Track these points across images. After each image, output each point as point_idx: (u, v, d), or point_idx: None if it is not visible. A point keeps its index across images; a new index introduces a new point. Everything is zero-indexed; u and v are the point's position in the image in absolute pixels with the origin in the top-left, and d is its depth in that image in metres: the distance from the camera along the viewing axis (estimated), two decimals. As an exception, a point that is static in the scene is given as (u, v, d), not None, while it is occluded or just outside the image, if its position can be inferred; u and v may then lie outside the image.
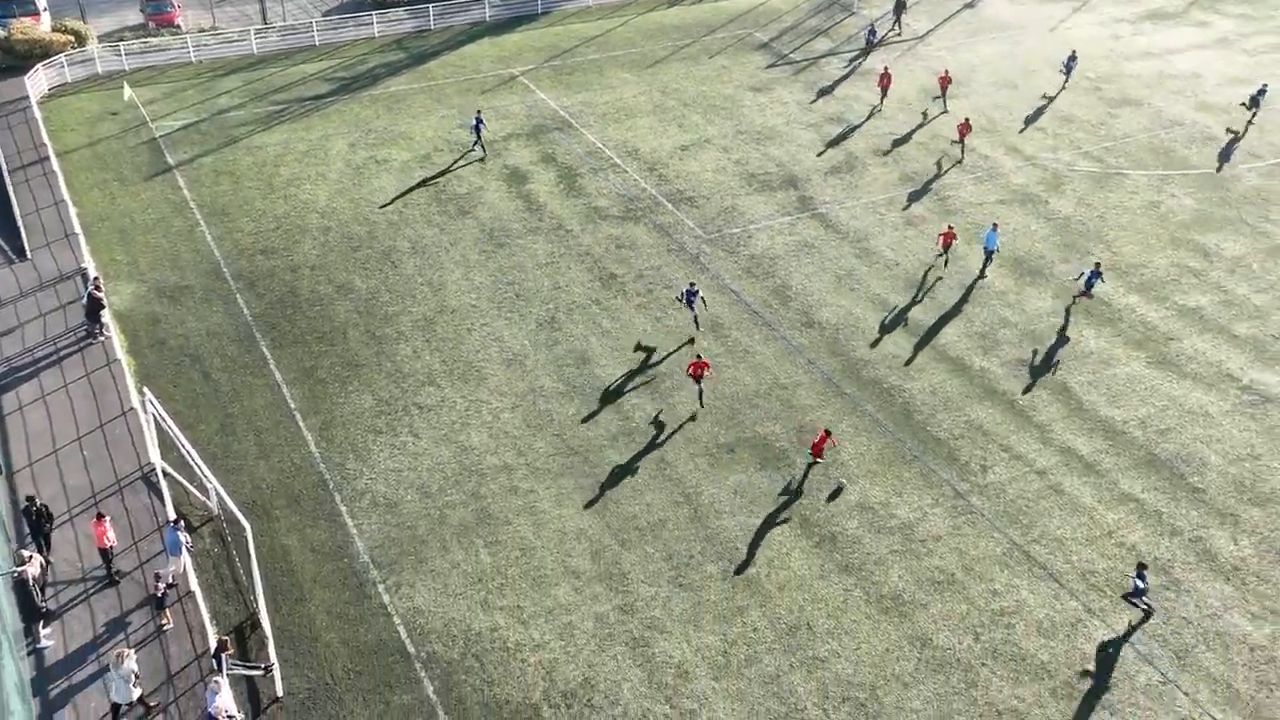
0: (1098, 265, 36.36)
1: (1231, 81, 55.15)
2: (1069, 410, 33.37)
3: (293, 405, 33.48)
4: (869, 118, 52.11)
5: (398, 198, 45.38)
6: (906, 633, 26.44)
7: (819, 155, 48.82)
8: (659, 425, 33.08)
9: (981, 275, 39.33)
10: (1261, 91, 47.67)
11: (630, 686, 25.30)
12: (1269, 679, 25.03)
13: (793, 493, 30.29)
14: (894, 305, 38.45)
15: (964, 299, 38.62)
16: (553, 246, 42.12)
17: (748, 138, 50.44)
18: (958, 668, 25.56)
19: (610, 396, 34.28)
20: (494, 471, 31.27)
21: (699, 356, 33.35)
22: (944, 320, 37.59)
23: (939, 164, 47.71)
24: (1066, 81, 54.56)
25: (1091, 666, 25.48)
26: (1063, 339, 36.44)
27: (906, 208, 44.54)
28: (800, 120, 52.06)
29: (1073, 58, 53.95)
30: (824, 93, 54.89)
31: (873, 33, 56.10)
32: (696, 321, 36.45)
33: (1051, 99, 53.52)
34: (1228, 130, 49.45)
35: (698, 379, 32.78)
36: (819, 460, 31.12)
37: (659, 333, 37.15)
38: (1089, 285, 36.02)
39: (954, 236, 38.73)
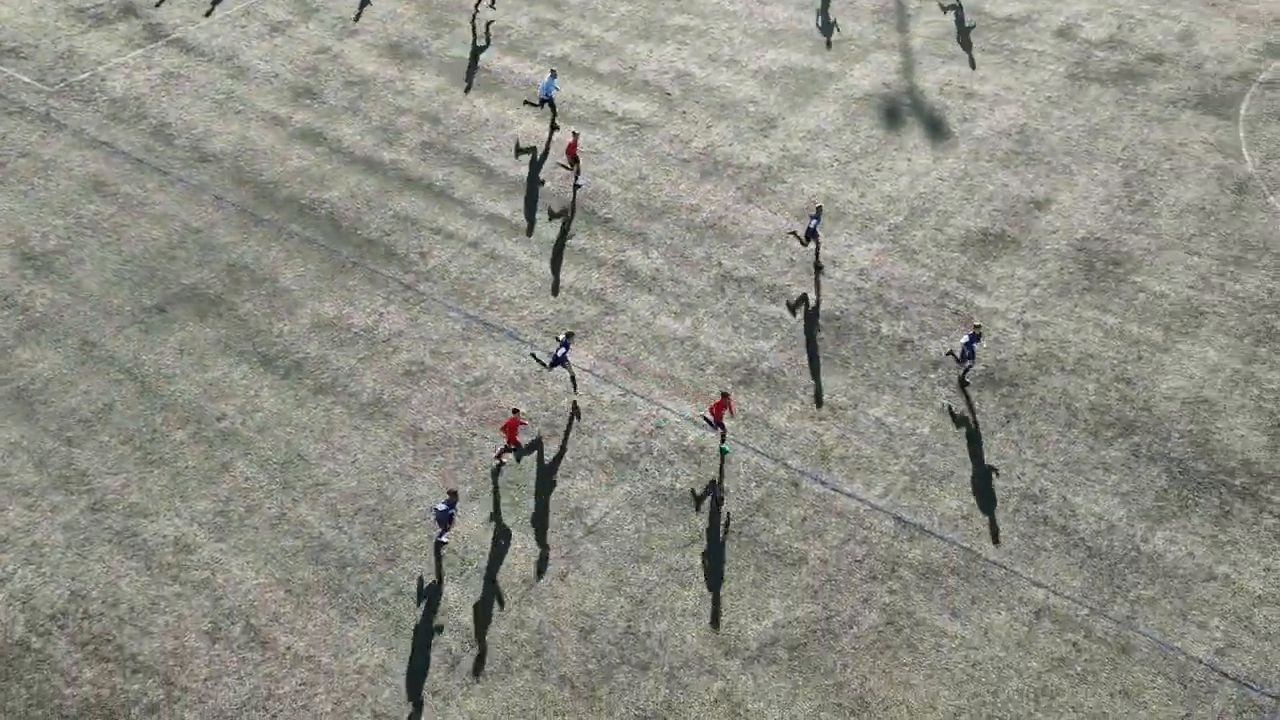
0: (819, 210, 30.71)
1: None
2: (483, 179, 34.60)
3: None
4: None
5: None
6: (396, 430, 26.83)
7: (154, -24, 44.10)
8: (65, 307, 29.42)
9: (540, 106, 38.16)
10: None
11: (129, 580, 23.36)
12: (696, 360, 28.91)
13: (247, 332, 28.78)
14: (286, 118, 36.72)
15: (358, 97, 37.83)
16: None
17: (63, -30, 44.09)
18: (452, 444, 26.56)
19: (-3, 293, 29.75)
20: (-122, 418, 26.21)
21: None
22: (339, 122, 36.68)
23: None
24: None
25: (567, 401, 27.74)
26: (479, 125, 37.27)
27: (267, 15, 42.00)
28: (119, -60, 46.32)
29: None
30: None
31: None
32: (574, 382, 28.18)
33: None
34: None
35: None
36: (719, 426, 25.86)
37: (31, 207, 32.44)
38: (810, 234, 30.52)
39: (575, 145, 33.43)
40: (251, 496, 25.18)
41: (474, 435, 26.74)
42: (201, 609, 23.07)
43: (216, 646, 22.49)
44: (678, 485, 25.71)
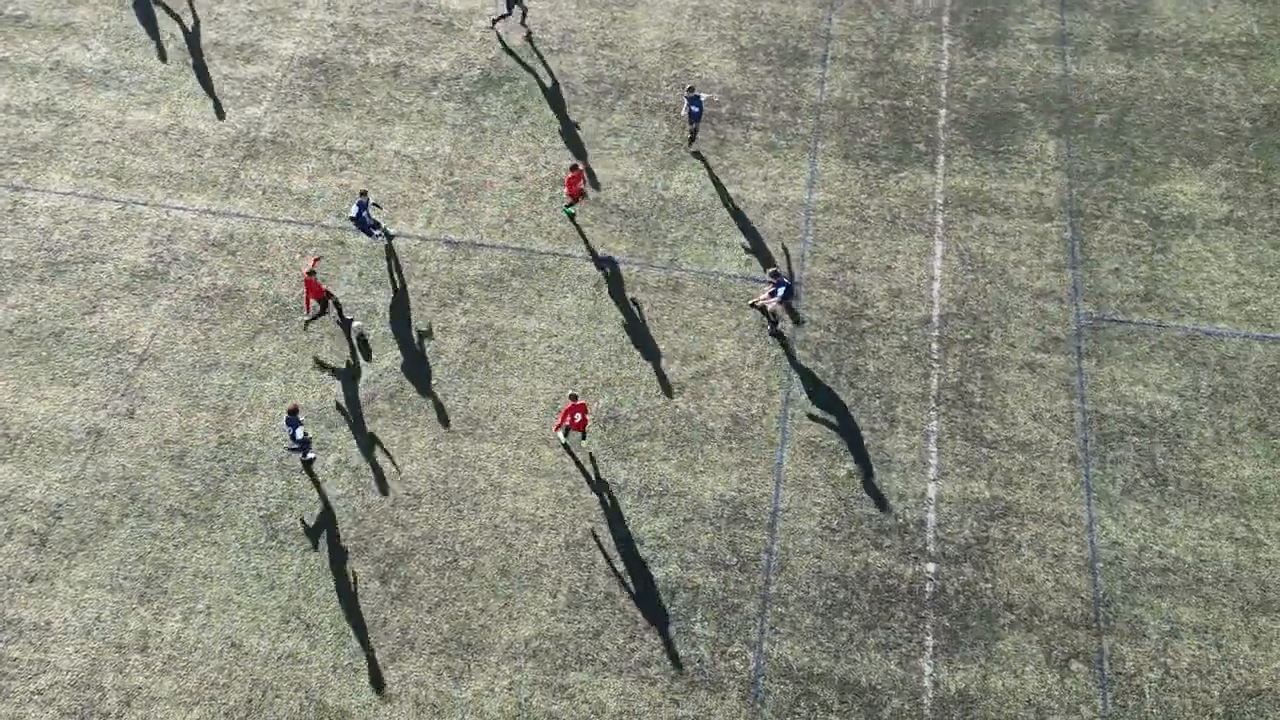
0: None
1: None
2: None
3: None
4: None
5: None
6: None
7: None
8: None
9: None
10: None
11: None
12: (190, 148, 26.52)
13: None
14: None
15: None
16: None
17: None
18: (-59, 322, 23.02)
19: None
20: None
21: None
22: None
23: None
24: None
25: (70, 232, 24.63)
26: None
27: None
28: None
29: None
30: None
31: None
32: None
33: None
34: None
35: None
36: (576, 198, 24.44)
37: None
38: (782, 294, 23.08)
39: None
40: None
41: (-36, 304, 23.28)
42: None
43: None
44: (219, 282, 24.15)
